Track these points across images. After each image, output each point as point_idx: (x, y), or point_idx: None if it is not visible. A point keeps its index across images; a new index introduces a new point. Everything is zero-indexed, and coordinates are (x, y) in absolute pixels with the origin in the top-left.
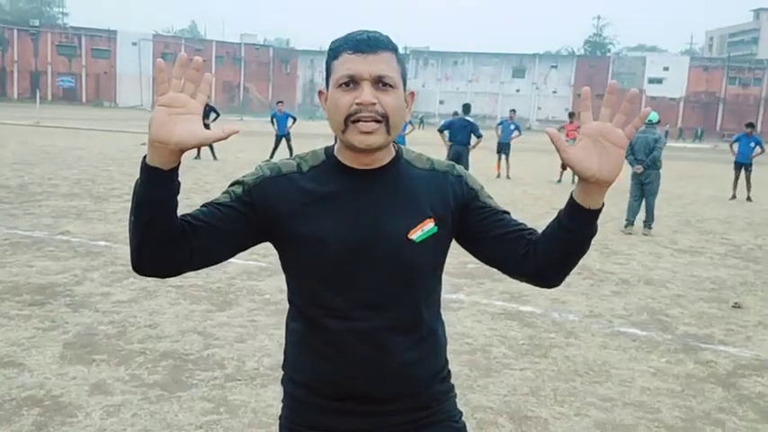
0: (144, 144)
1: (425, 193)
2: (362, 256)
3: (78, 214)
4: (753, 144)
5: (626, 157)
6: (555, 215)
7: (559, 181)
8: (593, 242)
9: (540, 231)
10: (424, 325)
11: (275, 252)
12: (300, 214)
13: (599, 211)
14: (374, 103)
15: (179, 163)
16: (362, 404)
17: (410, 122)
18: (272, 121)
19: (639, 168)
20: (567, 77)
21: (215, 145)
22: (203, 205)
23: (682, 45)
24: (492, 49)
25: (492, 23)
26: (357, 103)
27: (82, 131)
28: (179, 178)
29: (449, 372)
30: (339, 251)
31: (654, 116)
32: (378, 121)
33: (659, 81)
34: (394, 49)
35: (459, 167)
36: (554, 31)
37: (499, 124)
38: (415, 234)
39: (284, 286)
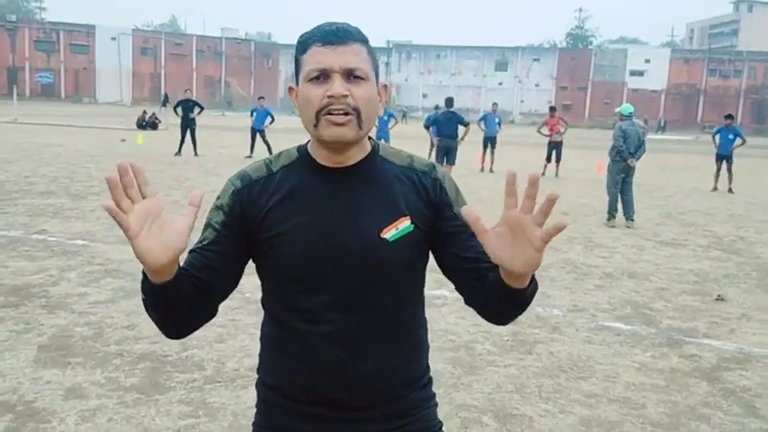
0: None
1: (402, 191)
2: (334, 257)
3: (55, 213)
4: (732, 136)
5: (619, 147)
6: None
7: (543, 174)
8: (577, 235)
9: None
10: (401, 328)
11: None
12: (273, 215)
13: (527, 288)
14: (345, 96)
15: (178, 260)
16: (335, 410)
17: (393, 116)
18: (251, 114)
19: (633, 162)
20: (549, 70)
21: (197, 140)
22: (192, 251)
23: (663, 37)
24: (474, 42)
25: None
26: (328, 96)
27: (61, 128)
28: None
29: (430, 378)
30: (310, 252)
31: (628, 108)
32: (349, 114)
33: (641, 73)
34: (364, 40)
35: (440, 170)
36: (536, 24)
37: (482, 119)
38: (389, 233)
39: None
